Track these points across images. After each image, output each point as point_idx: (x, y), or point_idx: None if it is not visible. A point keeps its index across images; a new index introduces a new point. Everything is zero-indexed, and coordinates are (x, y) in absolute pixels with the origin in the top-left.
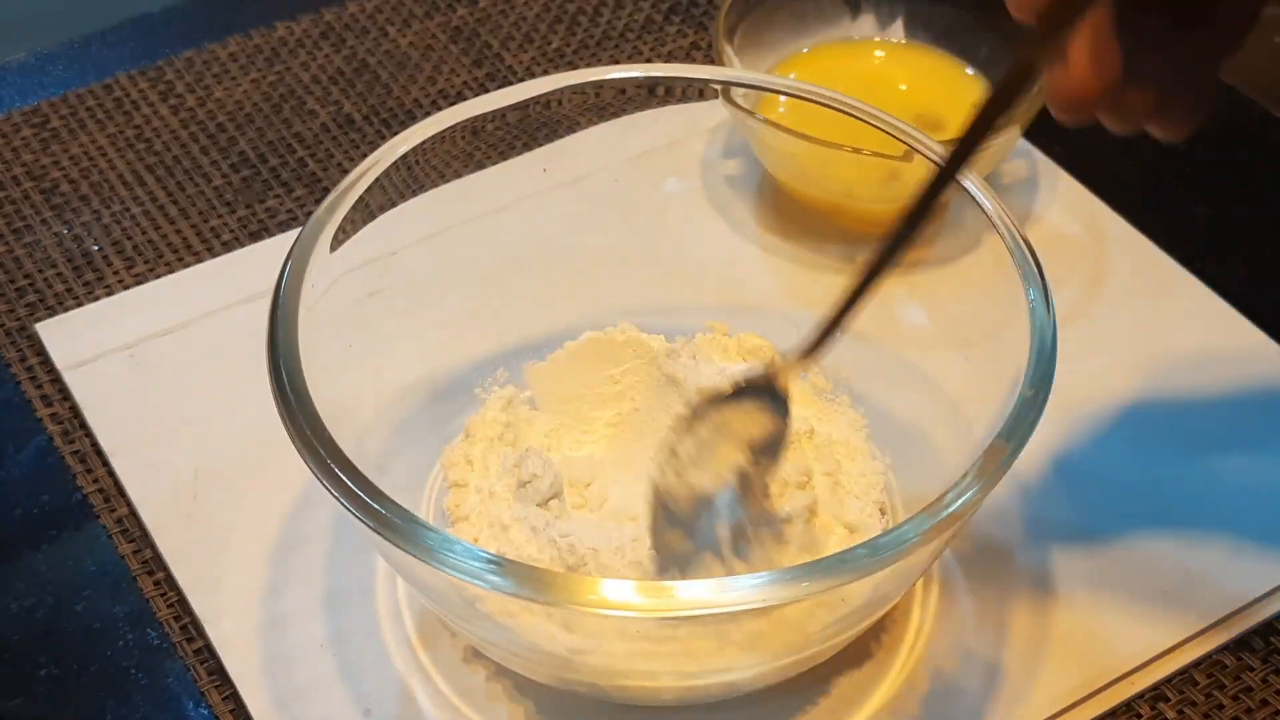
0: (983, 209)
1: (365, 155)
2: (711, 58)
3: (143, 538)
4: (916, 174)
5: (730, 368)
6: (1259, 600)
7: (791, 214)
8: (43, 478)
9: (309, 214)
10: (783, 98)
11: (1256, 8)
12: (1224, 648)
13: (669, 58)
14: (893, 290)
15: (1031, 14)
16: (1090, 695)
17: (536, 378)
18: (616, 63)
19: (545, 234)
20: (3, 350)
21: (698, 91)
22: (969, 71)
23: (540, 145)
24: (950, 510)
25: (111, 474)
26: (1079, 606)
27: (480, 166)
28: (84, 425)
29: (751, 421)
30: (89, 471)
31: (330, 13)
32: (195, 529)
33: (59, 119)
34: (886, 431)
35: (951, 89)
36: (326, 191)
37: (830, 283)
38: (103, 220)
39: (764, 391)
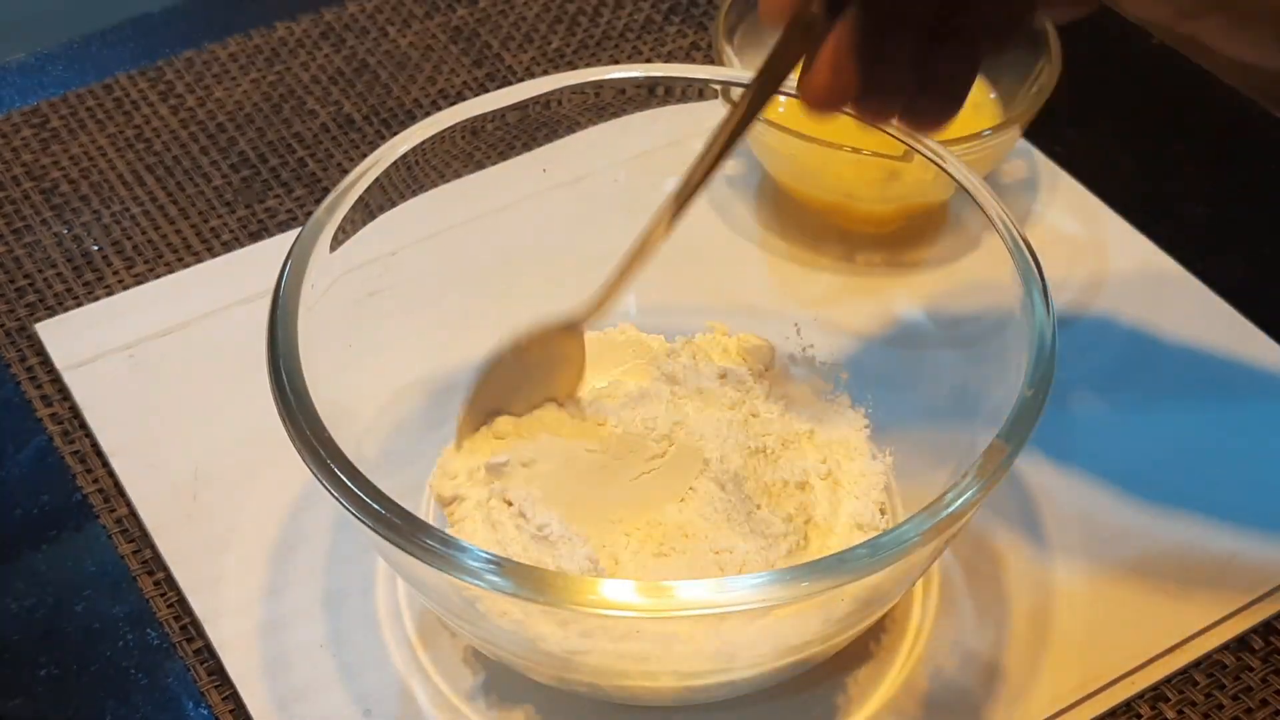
0: (983, 209)
1: (365, 155)
2: (711, 58)
3: (143, 538)
4: (916, 174)
5: (733, 370)
6: (1259, 600)
7: (791, 214)
8: (43, 478)
9: (309, 214)
10: (783, 98)
11: (1016, 23)
12: (1224, 648)
13: (669, 58)
14: (893, 290)
15: (777, 22)
16: (1090, 695)
17: None
18: (616, 63)
19: (545, 234)
20: (3, 350)
21: (698, 91)
22: None
23: (540, 145)
24: (950, 510)
25: (111, 474)
26: (1079, 606)
27: (480, 166)
28: (84, 425)
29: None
30: (89, 471)
31: (330, 13)
32: (195, 529)
33: (59, 119)
34: (886, 431)
35: None
36: (326, 191)
37: (830, 282)
38: (103, 220)
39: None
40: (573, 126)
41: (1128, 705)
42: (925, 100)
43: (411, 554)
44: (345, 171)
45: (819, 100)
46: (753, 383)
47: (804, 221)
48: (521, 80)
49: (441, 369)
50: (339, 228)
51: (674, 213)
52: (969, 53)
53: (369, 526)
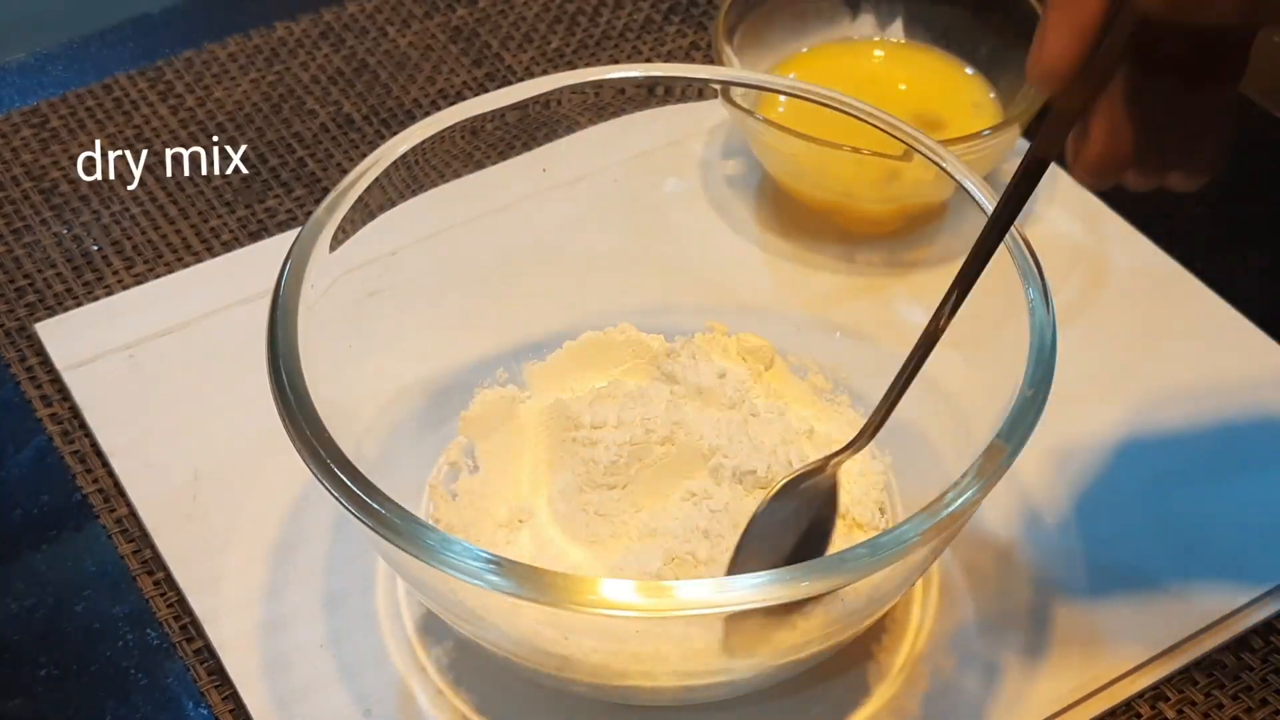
0: (983, 209)
1: (365, 155)
2: (711, 58)
3: (143, 538)
4: (916, 174)
5: (732, 369)
6: (1259, 600)
7: (791, 214)
8: (43, 478)
9: (309, 214)
10: (782, 98)
11: (1248, 42)
12: (1224, 648)
13: (669, 58)
14: (892, 290)
15: (1054, 88)
16: (1090, 695)
17: (536, 378)
18: (616, 63)
19: (545, 234)
20: (3, 350)
21: (697, 91)
22: (968, 71)
23: (540, 145)
24: (950, 510)
25: (111, 474)
26: (1079, 606)
27: (480, 166)
28: (84, 425)
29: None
30: (89, 471)
31: (330, 13)
32: (195, 529)
33: (59, 119)
34: (887, 431)
35: (951, 88)
36: (326, 191)
37: (830, 282)
38: (102, 220)
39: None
40: (572, 126)
41: (1128, 705)
42: (1199, 148)
43: (411, 554)
44: (345, 171)
45: (1097, 170)
46: (752, 383)
47: (804, 221)
48: (521, 80)
49: (441, 369)
50: (339, 228)
51: (946, 319)
52: (1222, 96)
53: (369, 526)
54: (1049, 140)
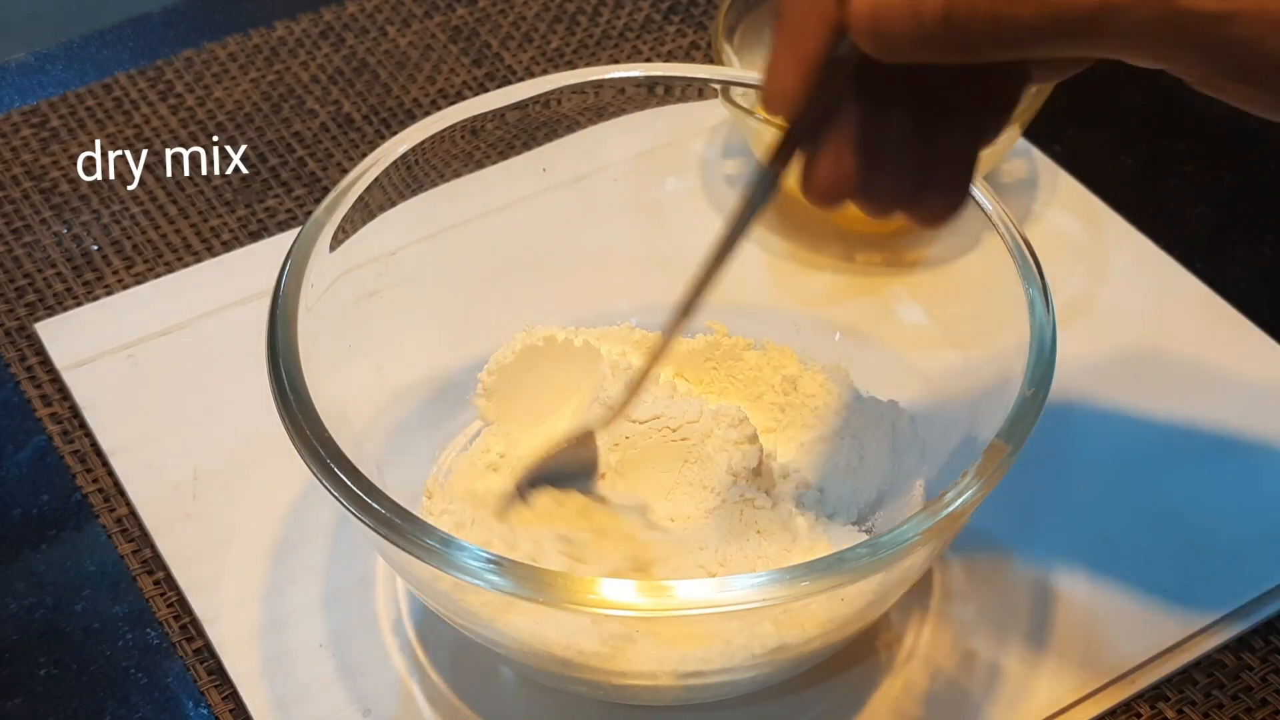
0: (983, 209)
1: (365, 155)
2: (711, 57)
3: (142, 538)
4: None
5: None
6: (1259, 600)
7: (791, 214)
8: (43, 478)
9: (309, 214)
10: None
11: (1011, 98)
12: (1224, 647)
13: (669, 57)
14: (893, 290)
15: (782, 113)
16: (1090, 695)
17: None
18: (616, 62)
19: (545, 234)
20: (2, 350)
21: (697, 91)
22: None
23: (540, 145)
24: (950, 510)
25: (111, 474)
26: (1079, 606)
27: (480, 166)
28: (84, 425)
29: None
30: (89, 471)
31: (330, 12)
32: (195, 529)
33: (59, 119)
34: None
35: None
36: (326, 191)
37: (829, 282)
38: (102, 220)
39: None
40: (572, 126)
41: (1128, 705)
42: (928, 193)
43: (411, 554)
44: (345, 171)
45: (821, 194)
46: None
47: (804, 221)
48: (521, 80)
49: (441, 369)
50: (339, 228)
51: (682, 316)
52: (966, 144)
53: (369, 526)
54: (775, 160)
